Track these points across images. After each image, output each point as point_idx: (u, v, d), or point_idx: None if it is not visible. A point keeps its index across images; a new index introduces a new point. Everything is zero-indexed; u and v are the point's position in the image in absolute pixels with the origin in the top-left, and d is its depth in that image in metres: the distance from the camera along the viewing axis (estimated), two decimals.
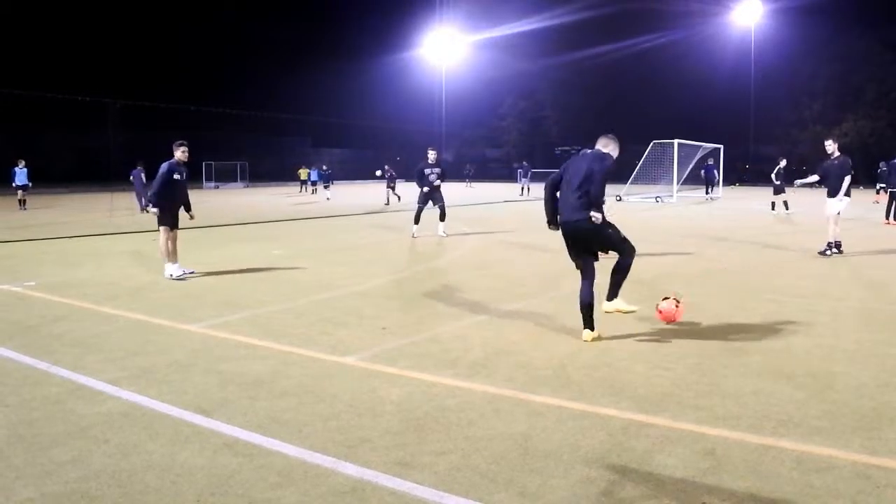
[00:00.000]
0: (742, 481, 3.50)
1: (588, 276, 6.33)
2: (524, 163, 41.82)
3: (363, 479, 3.55)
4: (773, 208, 22.88)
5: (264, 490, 3.44)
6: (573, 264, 6.48)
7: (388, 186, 29.39)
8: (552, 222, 6.54)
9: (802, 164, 55.13)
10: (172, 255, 10.15)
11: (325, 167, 38.68)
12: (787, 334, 6.57)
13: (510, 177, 68.48)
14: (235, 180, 59.85)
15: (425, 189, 15.26)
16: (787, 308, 7.83)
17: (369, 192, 41.61)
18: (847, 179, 11.77)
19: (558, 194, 6.48)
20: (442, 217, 15.51)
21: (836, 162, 11.90)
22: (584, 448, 3.92)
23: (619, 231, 6.36)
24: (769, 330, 6.76)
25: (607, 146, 6.51)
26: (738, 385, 5.02)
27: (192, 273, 10.26)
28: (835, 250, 12.02)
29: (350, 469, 3.67)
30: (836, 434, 4.10)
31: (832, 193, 12.00)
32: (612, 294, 6.44)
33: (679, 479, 3.53)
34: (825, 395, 4.81)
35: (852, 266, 11.11)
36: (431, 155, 15.35)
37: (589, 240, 6.31)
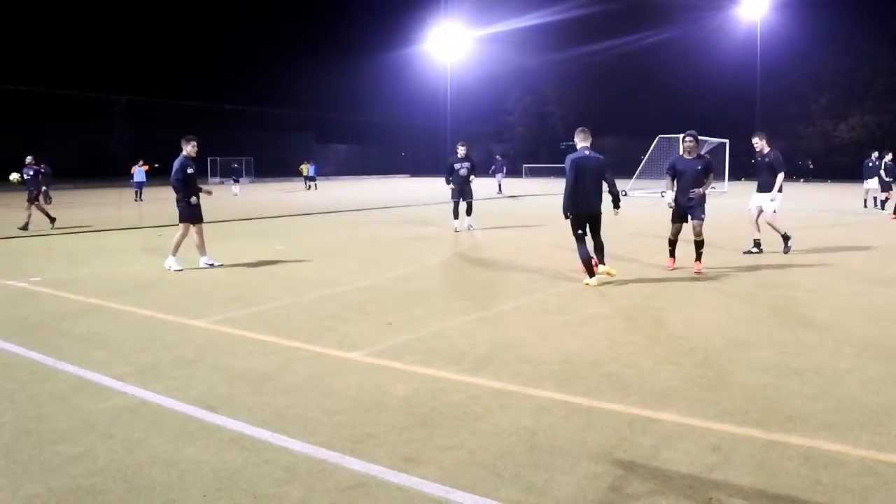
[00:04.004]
0: (749, 477, 3.48)
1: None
2: (497, 157, 36.41)
3: (369, 475, 3.54)
4: (879, 205, 22.13)
5: (270, 485, 3.44)
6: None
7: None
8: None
9: (809, 160, 54.96)
10: (201, 248, 10.61)
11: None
12: (794, 329, 6.54)
13: (515, 172, 68.42)
14: (241, 176, 59.92)
15: (451, 187, 15.65)
16: (794, 303, 7.80)
17: (363, 188, 41.55)
18: (781, 176, 11.36)
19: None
20: (469, 212, 15.79)
21: (766, 159, 11.58)
22: (590, 443, 3.91)
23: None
24: (776, 324, 6.73)
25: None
26: (745, 380, 5.00)
27: (211, 265, 10.63)
28: (755, 249, 11.65)
29: (356, 464, 3.66)
30: (844, 430, 4.08)
31: (763, 189, 11.68)
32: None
33: (686, 474, 3.52)
34: (833, 390, 4.79)
35: (860, 261, 11.06)
36: (461, 150, 15.73)
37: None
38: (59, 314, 7.38)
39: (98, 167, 55.29)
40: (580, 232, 8.77)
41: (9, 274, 9.95)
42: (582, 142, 8.90)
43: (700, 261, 9.65)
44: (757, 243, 11.72)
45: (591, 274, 8.78)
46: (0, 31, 54.10)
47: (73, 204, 27.88)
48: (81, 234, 15.87)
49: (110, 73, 60.30)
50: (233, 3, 70.50)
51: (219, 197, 30.91)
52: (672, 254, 9.96)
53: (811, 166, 54.53)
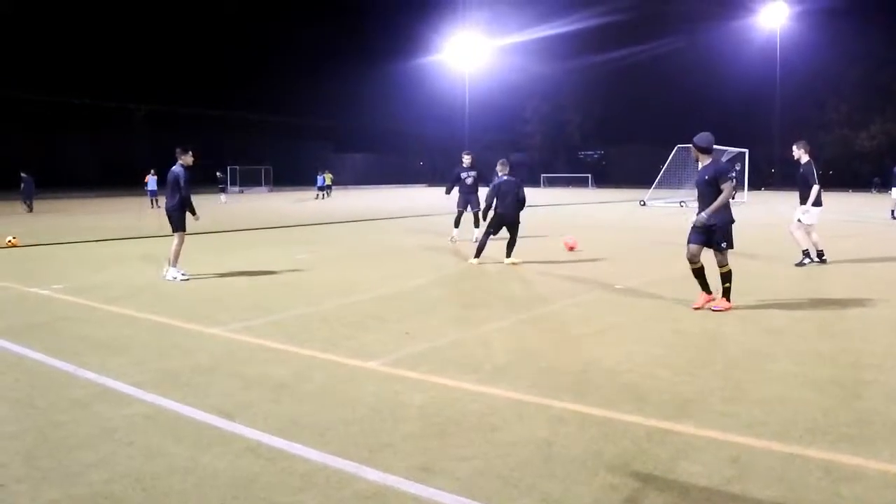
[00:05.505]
0: (768, 490, 3.44)
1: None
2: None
3: (385, 484, 3.54)
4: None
5: (286, 494, 3.45)
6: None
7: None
8: None
9: (829, 168, 54.46)
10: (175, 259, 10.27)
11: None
12: (813, 340, 6.47)
13: (534, 181, 68.33)
14: (259, 184, 60.32)
15: (448, 195, 15.61)
16: (813, 313, 7.71)
17: (380, 197, 41.62)
18: (814, 189, 11.07)
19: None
20: (477, 223, 15.33)
21: (800, 170, 11.30)
22: (607, 455, 3.89)
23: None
24: (795, 335, 6.66)
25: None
26: (764, 391, 4.95)
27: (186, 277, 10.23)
28: (814, 259, 11.31)
29: (372, 474, 3.66)
30: (865, 442, 4.03)
31: (800, 201, 11.41)
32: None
33: (704, 487, 3.49)
34: (853, 402, 4.73)
35: (881, 271, 10.93)
36: (466, 159, 15.56)
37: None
38: (80, 321, 7.46)
39: (116, 176, 55.87)
40: (493, 231, 11.77)
41: (32, 281, 10.08)
42: (501, 171, 11.83)
43: (727, 296, 7.79)
44: (820, 254, 11.40)
45: (477, 256, 11.99)
46: (21, 42, 54.90)
47: (94, 212, 28.22)
48: (101, 242, 16.04)
49: (129, 83, 60.97)
50: (251, 12, 71.16)
51: (213, 207, 31.10)
52: (702, 286, 7.90)
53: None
